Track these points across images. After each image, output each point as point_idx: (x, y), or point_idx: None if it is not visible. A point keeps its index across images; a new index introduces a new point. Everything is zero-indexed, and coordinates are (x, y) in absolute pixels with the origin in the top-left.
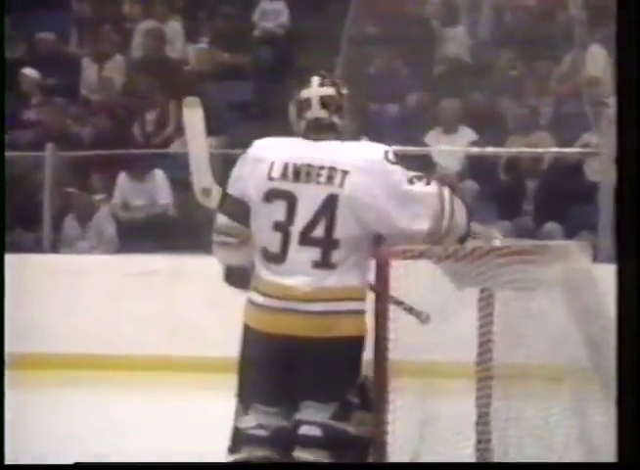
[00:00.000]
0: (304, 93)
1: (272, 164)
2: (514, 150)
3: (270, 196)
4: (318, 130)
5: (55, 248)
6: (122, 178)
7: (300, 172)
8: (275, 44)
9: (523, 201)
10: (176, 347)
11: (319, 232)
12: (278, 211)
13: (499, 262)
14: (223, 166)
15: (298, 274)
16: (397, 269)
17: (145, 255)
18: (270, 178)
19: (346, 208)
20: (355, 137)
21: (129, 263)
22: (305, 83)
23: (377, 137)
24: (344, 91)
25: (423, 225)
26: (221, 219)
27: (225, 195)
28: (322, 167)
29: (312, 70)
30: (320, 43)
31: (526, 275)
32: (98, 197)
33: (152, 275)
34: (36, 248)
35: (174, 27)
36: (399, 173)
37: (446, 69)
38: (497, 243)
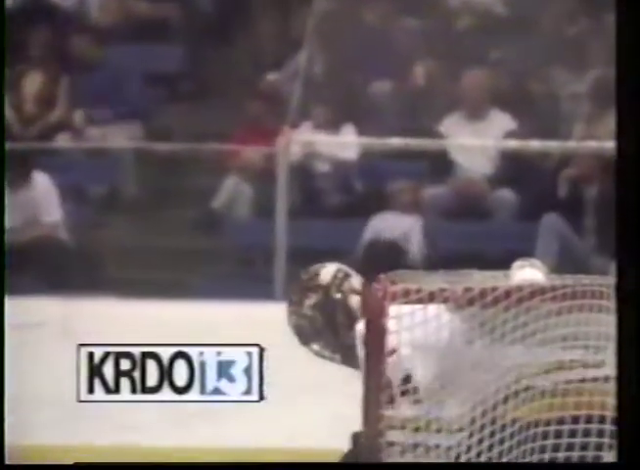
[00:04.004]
0: None
1: None
2: (571, 144)
3: None
4: None
5: None
6: None
7: None
8: None
9: (582, 218)
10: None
11: None
12: None
13: (549, 309)
14: (139, 166)
15: None
16: (398, 318)
17: (25, 299)
18: None
19: None
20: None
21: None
22: None
23: (369, 126)
24: None
25: None
26: None
27: None
28: None
29: (269, 29)
30: None
31: (592, 328)
32: None
33: (35, 329)
34: None
35: None
36: None
37: (470, 25)
38: (544, 281)
